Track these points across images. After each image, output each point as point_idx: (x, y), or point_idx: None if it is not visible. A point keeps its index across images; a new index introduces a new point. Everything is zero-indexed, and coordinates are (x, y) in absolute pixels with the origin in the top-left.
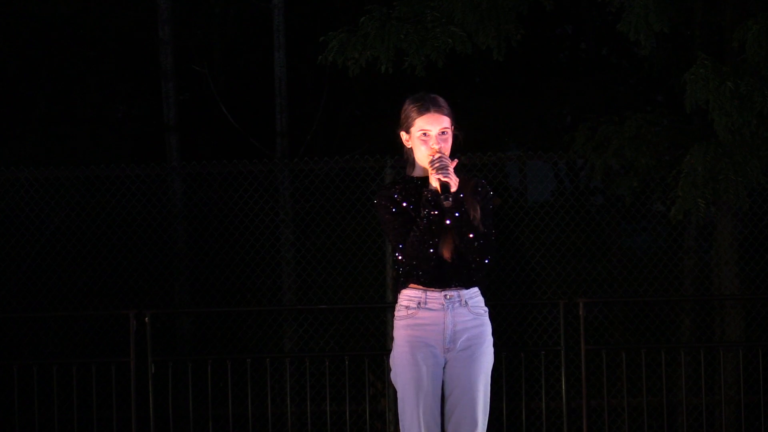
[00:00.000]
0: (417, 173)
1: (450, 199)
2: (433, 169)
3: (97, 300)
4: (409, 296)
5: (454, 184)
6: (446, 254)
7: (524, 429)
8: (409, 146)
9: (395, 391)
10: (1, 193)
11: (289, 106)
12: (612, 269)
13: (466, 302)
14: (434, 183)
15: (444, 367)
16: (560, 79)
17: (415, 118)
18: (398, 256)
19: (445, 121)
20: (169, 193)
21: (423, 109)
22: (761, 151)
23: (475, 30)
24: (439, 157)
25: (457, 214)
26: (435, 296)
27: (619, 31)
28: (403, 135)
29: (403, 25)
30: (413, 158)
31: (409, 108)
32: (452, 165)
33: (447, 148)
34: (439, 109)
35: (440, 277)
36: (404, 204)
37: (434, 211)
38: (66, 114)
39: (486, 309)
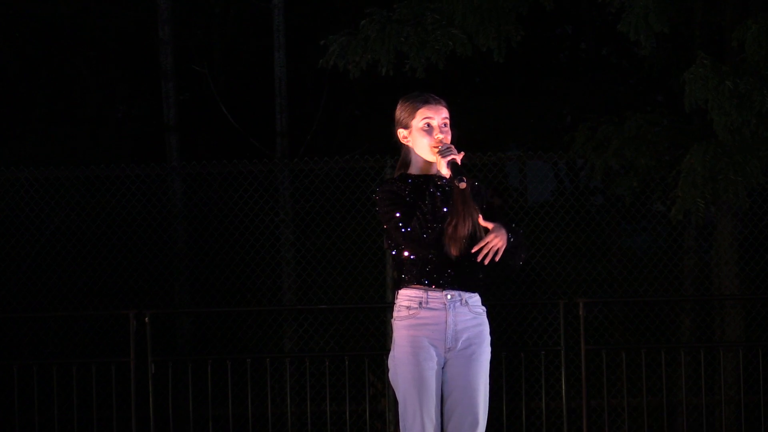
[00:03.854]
0: (416, 171)
1: (464, 180)
2: (441, 156)
3: (97, 300)
4: (409, 296)
5: (459, 159)
6: (454, 252)
7: (524, 429)
8: (407, 143)
9: (395, 391)
10: (1, 193)
11: (289, 106)
12: (612, 269)
13: (466, 302)
14: (444, 170)
15: (443, 367)
16: (560, 79)
17: (417, 110)
18: (393, 244)
19: (445, 113)
20: (169, 193)
21: (424, 102)
22: (761, 150)
23: (476, 31)
24: (447, 146)
25: (512, 239)
26: (436, 296)
27: (619, 32)
28: (401, 132)
29: (403, 28)
30: (411, 157)
31: (407, 103)
32: (460, 156)
33: (449, 140)
34: (438, 101)
35: (445, 277)
36: (407, 199)
37: (439, 200)
38: (66, 114)
39: (484, 308)
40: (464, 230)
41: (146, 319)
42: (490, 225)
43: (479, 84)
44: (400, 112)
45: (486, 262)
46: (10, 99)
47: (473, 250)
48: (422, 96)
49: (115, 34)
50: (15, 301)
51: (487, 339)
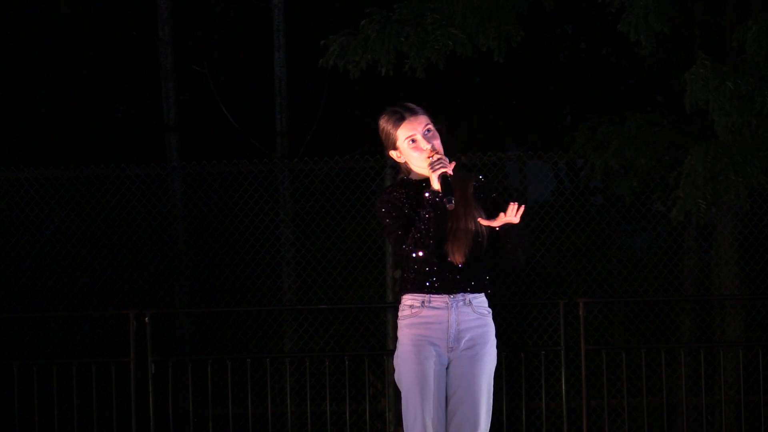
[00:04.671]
0: (416, 178)
1: (453, 201)
2: (431, 170)
3: (97, 300)
4: (413, 296)
5: (450, 170)
6: (458, 259)
7: (524, 429)
8: (403, 161)
9: (396, 391)
10: (1, 193)
11: (289, 106)
12: (612, 269)
13: (470, 302)
14: (435, 184)
15: (447, 367)
16: (560, 79)
17: (396, 131)
18: (399, 257)
19: (424, 121)
20: (169, 193)
21: (399, 120)
22: (761, 151)
23: (476, 31)
24: (438, 158)
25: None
26: (440, 295)
27: (619, 32)
28: (393, 153)
29: (403, 28)
30: (410, 167)
31: (385, 127)
32: (451, 167)
33: (438, 144)
34: (412, 112)
35: (448, 283)
36: (405, 208)
37: (432, 213)
38: (66, 114)
39: (489, 309)
40: (466, 236)
41: (146, 319)
42: (495, 222)
43: (479, 84)
44: (384, 136)
45: (516, 219)
46: (10, 99)
47: (498, 225)
48: (396, 114)
49: (115, 34)
50: (15, 301)
51: (492, 340)
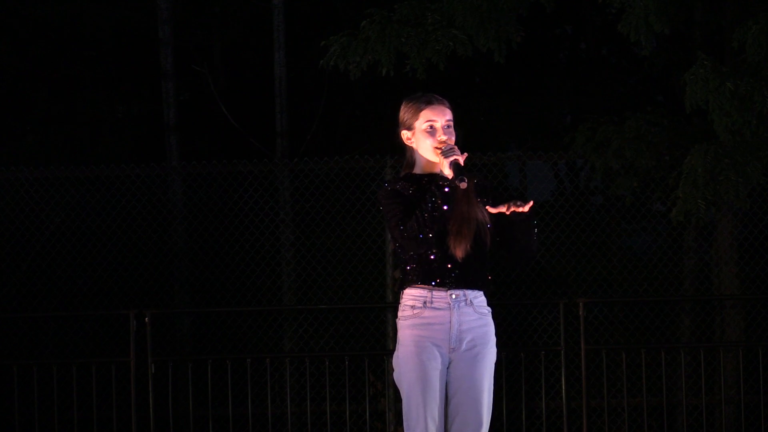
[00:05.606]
0: (420, 171)
1: (465, 180)
2: (443, 157)
3: (97, 300)
4: (413, 295)
5: (462, 160)
6: (459, 253)
7: (524, 429)
8: (411, 145)
9: (396, 391)
10: (1, 193)
11: (289, 106)
12: (612, 269)
13: (471, 302)
14: (446, 170)
15: (448, 367)
16: (560, 79)
17: (420, 111)
18: (397, 244)
19: (449, 114)
20: (169, 193)
21: (426, 103)
22: (761, 151)
23: (476, 32)
24: (451, 147)
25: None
26: (441, 295)
27: (619, 32)
28: (405, 134)
29: (403, 28)
30: (415, 158)
31: (410, 105)
32: (463, 158)
33: (453, 141)
34: (442, 102)
35: (450, 277)
36: (410, 198)
37: (440, 199)
38: (66, 114)
39: (489, 309)
40: (468, 230)
41: (146, 319)
42: (503, 207)
43: (479, 84)
44: (403, 114)
45: (526, 209)
46: (10, 99)
47: (508, 212)
48: (425, 97)
49: (115, 34)
50: (15, 301)
51: (493, 340)
